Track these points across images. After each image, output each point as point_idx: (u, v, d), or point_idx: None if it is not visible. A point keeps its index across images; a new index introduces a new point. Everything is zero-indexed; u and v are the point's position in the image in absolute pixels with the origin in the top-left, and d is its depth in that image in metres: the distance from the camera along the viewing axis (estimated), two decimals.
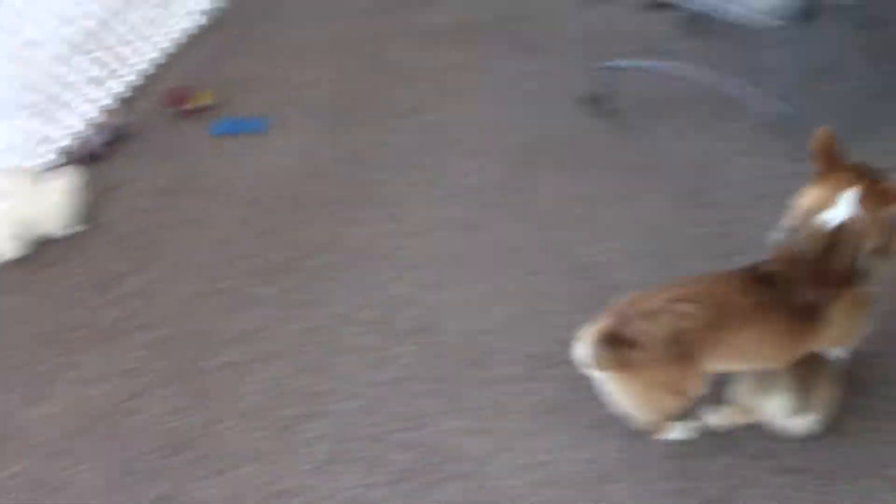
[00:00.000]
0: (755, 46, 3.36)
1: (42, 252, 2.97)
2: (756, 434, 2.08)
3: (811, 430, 2.03)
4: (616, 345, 1.85)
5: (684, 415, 2.07)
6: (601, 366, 1.89)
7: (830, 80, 3.17)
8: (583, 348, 1.92)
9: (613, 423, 2.16)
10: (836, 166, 1.92)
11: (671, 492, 2.03)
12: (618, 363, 1.87)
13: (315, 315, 2.62)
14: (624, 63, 3.35)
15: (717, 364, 1.95)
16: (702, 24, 3.54)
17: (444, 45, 3.79)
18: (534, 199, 2.90)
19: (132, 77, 3.78)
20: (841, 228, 1.86)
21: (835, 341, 2.03)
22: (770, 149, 2.92)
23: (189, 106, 3.51)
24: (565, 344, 2.37)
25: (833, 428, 2.06)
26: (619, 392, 1.96)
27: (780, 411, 2.01)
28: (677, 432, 2.11)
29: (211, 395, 2.43)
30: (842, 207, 1.86)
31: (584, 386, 2.26)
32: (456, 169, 3.08)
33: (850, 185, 1.87)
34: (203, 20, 4.15)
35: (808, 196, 1.93)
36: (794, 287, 1.89)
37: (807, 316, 1.91)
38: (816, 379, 2.02)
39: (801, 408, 1.99)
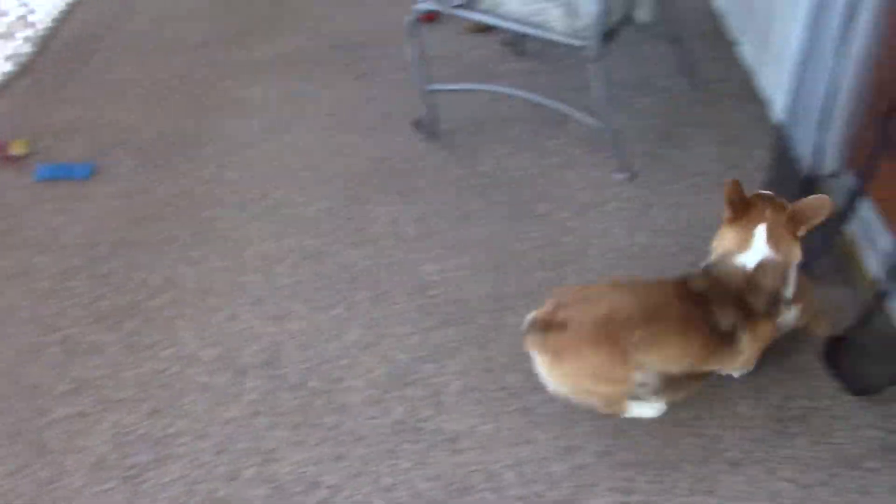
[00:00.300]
0: (571, 66, 3.56)
1: None
2: (600, 432, 2.20)
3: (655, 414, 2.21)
4: (547, 328, 2.00)
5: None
6: (533, 348, 2.05)
7: (641, 93, 3.38)
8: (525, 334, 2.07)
9: (462, 439, 2.23)
10: (745, 209, 2.07)
11: (521, 496, 2.10)
12: (547, 346, 2.03)
13: (159, 357, 2.56)
14: (451, 86, 3.47)
15: (644, 360, 2.07)
16: (523, 46, 3.71)
17: (276, 75, 3.79)
18: (372, 223, 2.94)
19: None
20: (756, 270, 2.03)
21: (739, 364, 2.18)
22: (589, 162, 3.08)
23: (3, 155, 3.36)
24: (411, 365, 2.44)
25: (667, 420, 2.20)
26: (550, 376, 2.08)
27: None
28: (641, 410, 2.22)
29: (54, 451, 2.33)
30: (755, 250, 2.03)
31: (431, 404, 2.32)
32: (293, 200, 3.09)
33: (759, 223, 2.03)
34: (10, 67, 3.99)
35: (724, 239, 2.10)
36: (717, 309, 2.05)
37: (723, 338, 2.07)
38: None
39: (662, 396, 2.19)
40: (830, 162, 2.67)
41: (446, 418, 2.29)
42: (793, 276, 2.07)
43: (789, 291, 2.08)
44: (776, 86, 3.12)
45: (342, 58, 3.86)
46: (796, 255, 2.04)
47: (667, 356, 2.10)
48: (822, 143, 2.50)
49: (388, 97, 3.57)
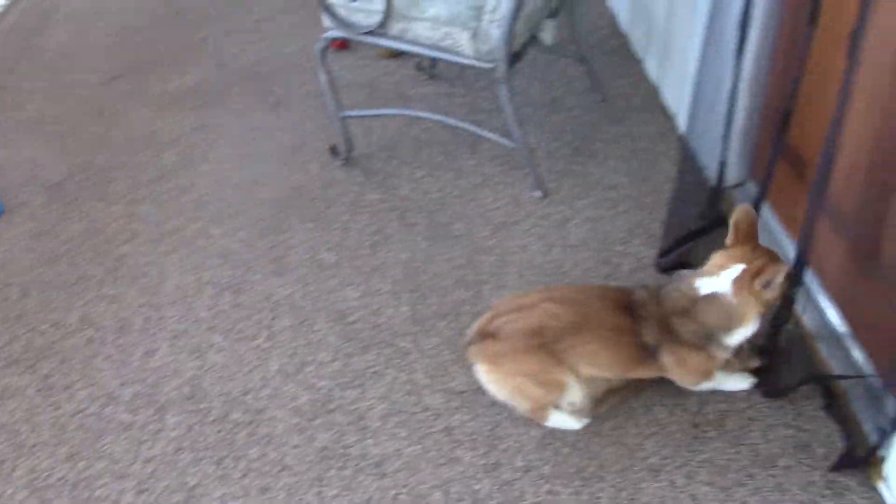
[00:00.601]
0: (483, 88, 3.62)
1: None
2: (523, 448, 2.22)
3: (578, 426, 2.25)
4: (483, 337, 2.10)
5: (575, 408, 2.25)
6: (471, 358, 2.16)
7: (552, 112, 3.45)
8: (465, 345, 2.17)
9: (388, 462, 2.23)
10: (744, 242, 2.08)
11: None
12: (482, 355, 2.12)
13: (76, 398, 2.51)
14: (365, 112, 3.49)
15: (577, 366, 2.12)
16: (435, 70, 3.76)
17: (186, 107, 3.76)
18: (290, 251, 2.93)
19: None
20: (704, 298, 2.06)
21: (683, 383, 2.23)
22: (504, 181, 3.13)
23: None
24: (333, 391, 2.44)
25: (588, 431, 2.24)
26: (488, 383, 2.17)
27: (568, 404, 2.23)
28: (562, 421, 2.25)
29: None
30: (716, 280, 2.05)
31: (356, 430, 2.32)
32: (209, 231, 3.06)
33: (739, 262, 2.04)
34: None
35: (712, 261, 2.11)
36: (642, 324, 2.10)
37: (647, 353, 2.12)
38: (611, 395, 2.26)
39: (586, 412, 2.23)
40: (734, 172, 2.76)
41: (371, 443, 2.29)
42: (747, 331, 2.08)
43: (731, 340, 2.09)
44: (679, 100, 3.22)
45: (254, 88, 3.85)
46: (751, 313, 2.04)
47: (595, 363, 2.15)
48: (724, 154, 2.59)
49: (301, 125, 3.57)
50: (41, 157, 3.54)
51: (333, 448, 2.29)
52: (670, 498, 2.08)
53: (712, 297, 2.05)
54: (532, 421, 2.26)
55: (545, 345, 2.08)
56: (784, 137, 2.24)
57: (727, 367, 2.20)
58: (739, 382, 2.29)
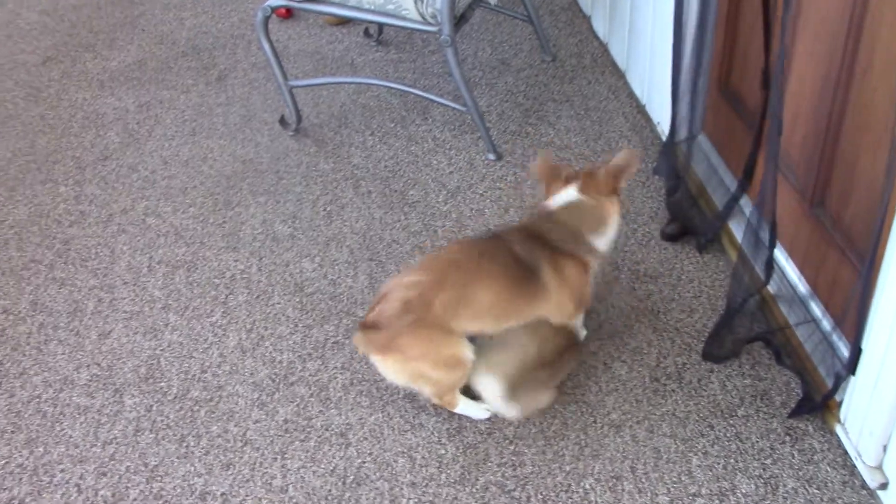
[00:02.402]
0: (432, 52, 3.58)
1: None
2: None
3: (513, 416, 2.20)
4: (365, 330, 2.05)
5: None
6: (361, 350, 2.15)
7: (502, 74, 3.43)
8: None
9: (352, 432, 2.22)
10: (556, 177, 2.17)
11: (414, 482, 2.11)
12: (371, 347, 2.08)
13: (31, 384, 2.45)
14: (313, 81, 3.45)
15: (464, 325, 2.08)
16: (383, 37, 3.71)
17: (128, 85, 3.68)
18: (243, 226, 2.89)
19: None
20: (561, 209, 2.12)
21: (560, 312, 2.18)
22: (457, 145, 3.11)
23: None
24: (294, 364, 2.42)
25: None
26: (387, 373, 2.13)
27: (490, 395, 2.17)
28: (470, 409, 2.22)
29: None
30: (563, 195, 2.13)
31: (318, 401, 2.31)
32: (159, 209, 3.01)
33: (571, 182, 2.13)
34: None
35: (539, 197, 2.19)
36: (517, 246, 2.09)
37: (528, 276, 2.09)
38: (531, 381, 2.18)
39: (509, 398, 2.15)
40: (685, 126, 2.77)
41: (335, 413, 2.28)
42: (610, 232, 2.16)
43: (602, 244, 2.16)
44: (628, 56, 3.22)
45: (196, 62, 3.78)
46: (613, 208, 2.14)
47: (477, 311, 2.09)
48: (675, 108, 2.59)
49: (248, 97, 3.51)
50: None
51: (296, 421, 2.28)
52: (633, 452, 2.10)
53: (569, 206, 2.12)
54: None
55: (421, 319, 2.01)
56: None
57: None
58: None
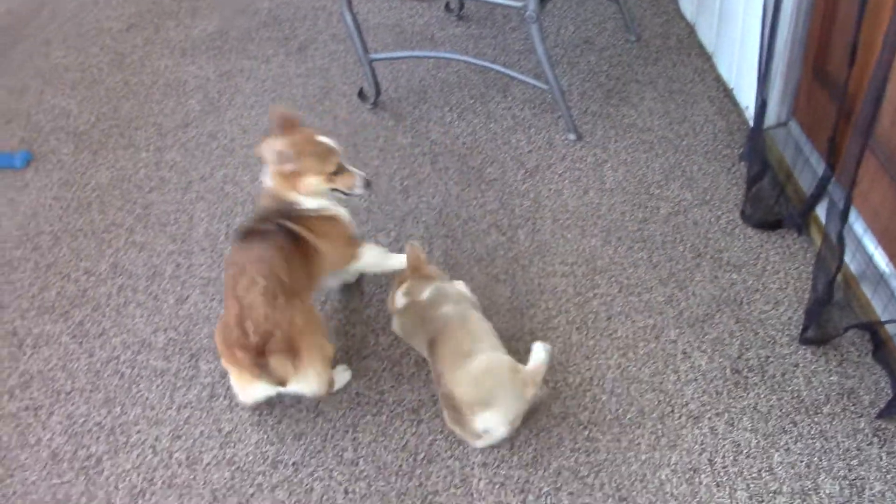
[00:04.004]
0: (514, 29, 3.52)
1: None
2: (558, 395, 2.19)
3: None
4: (256, 360, 2.03)
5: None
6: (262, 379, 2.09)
7: (585, 53, 3.36)
8: None
9: (422, 409, 2.21)
10: (286, 131, 2.25)
11: (484, 462, 2.09)
12: (261, 373, 2.05)
13: (110, 345, 2.50)
14: (393, 54, 3.42)
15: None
16: (464, 11, 3.66)
17: (209, 54, 3.70)
18: None
19: None
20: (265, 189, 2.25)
21: (337, 256, 2.33)
22: (537, 124, 3.06)
23: None
24: (367, 337, 2.41)
25: (626, 378, 2.21)
26: (291, 384, 2.11)
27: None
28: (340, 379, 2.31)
29: (7, 446, 2.27)
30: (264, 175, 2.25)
31: (391, 376, 2.30)
32: (238, 178, 3.02)
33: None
34: None
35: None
36: (258, 224, 2.19)
37: (302, 249, 2.18)
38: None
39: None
40: (776, 112, 2.68)
41: (407, 388, 2.27)
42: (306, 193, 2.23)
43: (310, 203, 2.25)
44: (717, 39, 3.12)
45: (277, 32, 3.78)
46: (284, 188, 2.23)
47: (283, 285, 2.09)
48: (763, 93, 2.50)
49: (328, 69, 3.50)
50: (67, 105, 3.50)
51: (368, 394, 2.28)
52: (711, 444, 2.05)
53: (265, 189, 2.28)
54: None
55: (243, 328, 2.01)
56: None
57: None
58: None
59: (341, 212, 2.33)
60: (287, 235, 2.16)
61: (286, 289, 2.05)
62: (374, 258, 2.45)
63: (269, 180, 2.24)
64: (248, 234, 2.18)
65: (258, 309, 1.99)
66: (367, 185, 2.34)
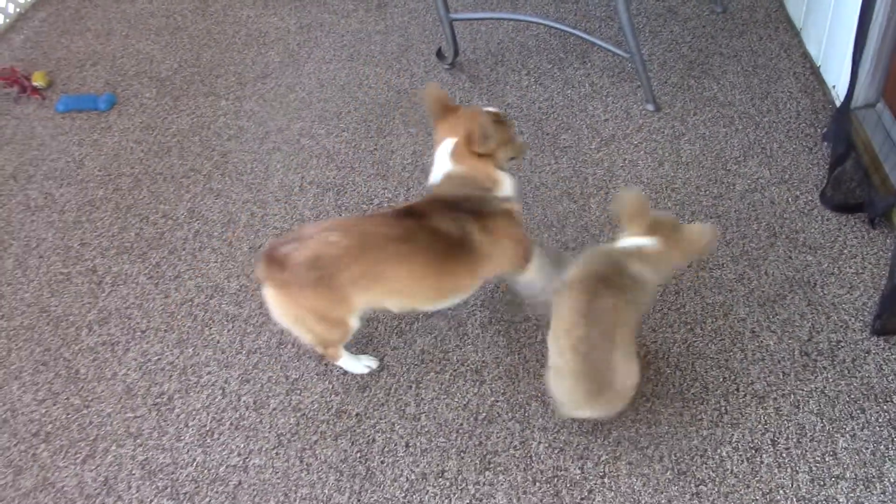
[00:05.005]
0: None
1: None
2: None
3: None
4: (269, 262, 1.96)
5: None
6: (258, 276, 2.03)
7: (668, 22, 3.30)
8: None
9: (487, 370, 2.23)
10: (447, 113, 2.12)
11: (545, 427, 2.11)
12: (269, 279, 1.99)
13: (184, 288, 2.57)
14: (473, 15, 3.41)
15: (372, 300, 2.06)
16: None
17: (290, 6, 3.73)
18: (393, 154, 2.91)
19: None
20: (442, 182, 2.07)
21: (499, 266, 2.15)
22: (615, 92, 3.03)
23: (25, 86, 3.33)
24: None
25: (691, 354, 2.20)
26: (272, 307, 2.05)
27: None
28: (350, 364, 2.25)
29: (84, 378, 2.35)
30: (440, 162, 2.08)
31: (456, 336, 2.32)
32: (313, 131, 3.06)
33: (451, 133, 2.08)
34: None
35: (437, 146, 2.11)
36: (436, 220, 2.02)
37: (458, 248, 2.02)
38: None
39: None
40: (863, 92, 2.61)
41: (471, 349, 2.30)
42: (505, 185, 2.12)
43: (506, 191, 2.12)
44: (806, 14, 3.04)
45: None
46: (490, 172, 2.08)
47: (391, 290, 2.05)
48: (855, 72, 2.44)
49: (407, 27, 3.50)
50: (151, 50, 3.57)
51: (432, 352, 2.31)
52: (775, 425, 2.03)
53: (449, 176, 2.06)
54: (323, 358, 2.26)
55: (323, 278, 1.95)
56: None
57: None
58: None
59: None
60: (447, 238, 2.03)
61: (348, 288, 1.99)
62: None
63: (458, 166, 2.06)
64: (412, 223, 2.04)
65: (307, 256, 1.96)
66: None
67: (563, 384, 1.94)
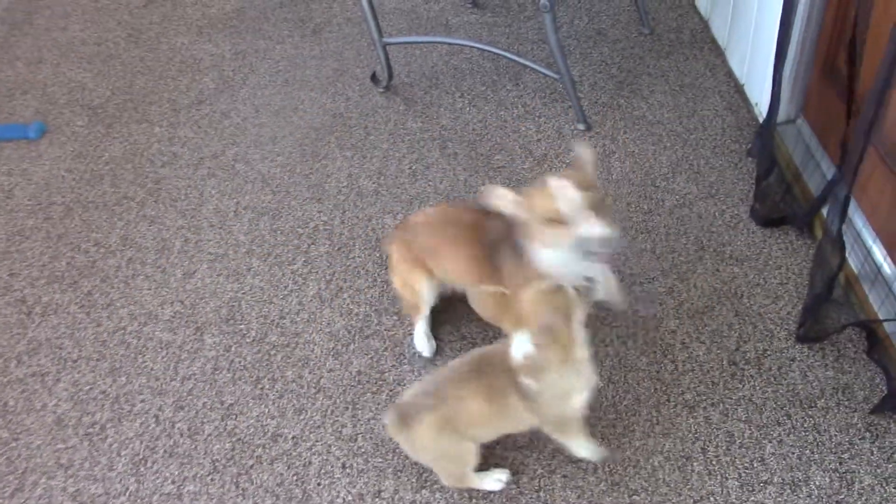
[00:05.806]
0: (528, 17, 3.54)
1: None
2: None
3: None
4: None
5: None
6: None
7: (597, 44, 3.37)
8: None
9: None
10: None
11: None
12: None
13: (117, 316, 2.54)
14: (407, 39, 3.44)
15: (435, 270, 2.21)
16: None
17: (225, 32, 3.73)
18: (329, 178, 2.92)
19: None
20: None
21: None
22: (546, 113, 3.08)
23: None
24: (370, 317, 2.44)
25: (624, 366, 2.23)
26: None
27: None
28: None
29: (13, 411, 2.31)
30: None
31: (392, 356, 2.33)
32: (248, 156, 3.05)
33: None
34: None
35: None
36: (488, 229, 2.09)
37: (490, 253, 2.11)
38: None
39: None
40: (786, 109, 2.69)
41: (407, 369, 2.30)
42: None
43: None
44: (730, 34, 3.13)
45: (293, 13, 3.80)
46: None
47: (447, 267, 2.19)
48: (776, 89, 2.51)
49: (342, 52, 3.53)
50: (83, 78, 3.53)
51: (369, 373, 2.31)
52: (705, 434, 2.07)
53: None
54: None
55: (406, 240, 2.22)
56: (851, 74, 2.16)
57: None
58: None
59: None
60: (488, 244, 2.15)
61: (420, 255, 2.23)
62: None
63: None
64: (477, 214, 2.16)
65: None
66: None
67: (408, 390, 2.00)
